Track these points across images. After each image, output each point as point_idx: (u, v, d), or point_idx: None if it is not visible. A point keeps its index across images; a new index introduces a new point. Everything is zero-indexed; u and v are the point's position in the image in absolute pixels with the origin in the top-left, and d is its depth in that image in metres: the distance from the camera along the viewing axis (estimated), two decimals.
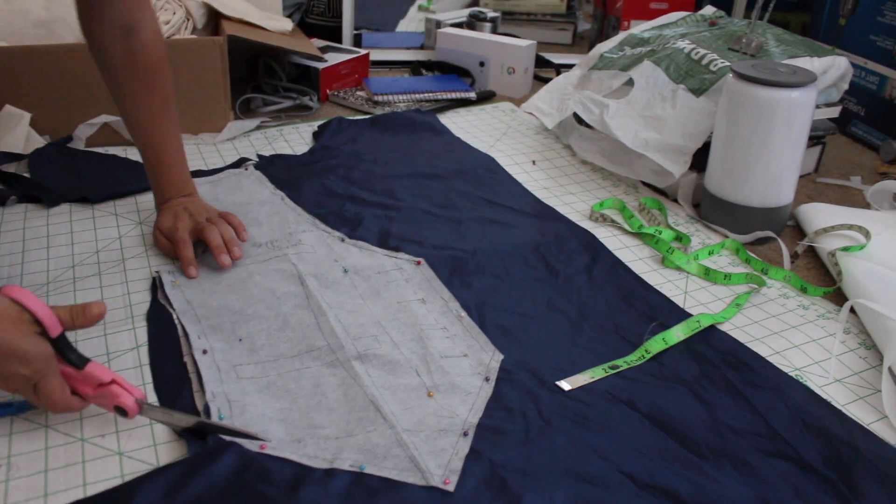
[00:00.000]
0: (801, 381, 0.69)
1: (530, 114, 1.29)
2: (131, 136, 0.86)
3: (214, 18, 1.22)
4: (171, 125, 0.86)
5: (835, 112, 1.09)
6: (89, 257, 0.84)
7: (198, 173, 1.03)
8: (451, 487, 0.55)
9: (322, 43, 1.50)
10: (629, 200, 1.03)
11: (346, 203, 0.97)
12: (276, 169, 1.06)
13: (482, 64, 1.47)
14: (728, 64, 1.00)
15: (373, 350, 0.69)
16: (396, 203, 0.98)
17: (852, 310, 0.79)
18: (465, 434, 0.60)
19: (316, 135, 1.19)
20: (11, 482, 0.55)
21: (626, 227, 0.96)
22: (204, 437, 0.59)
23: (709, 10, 1.29)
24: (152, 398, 0.64)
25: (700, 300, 0.82)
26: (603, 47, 1.23)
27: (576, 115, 1.15)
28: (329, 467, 0.57)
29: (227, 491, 0.54)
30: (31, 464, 0.57)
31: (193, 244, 0.82)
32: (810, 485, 0.58)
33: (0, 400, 0.62)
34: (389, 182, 1.03)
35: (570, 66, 1.35)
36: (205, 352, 0.68)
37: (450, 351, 0.70)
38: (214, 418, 0.60)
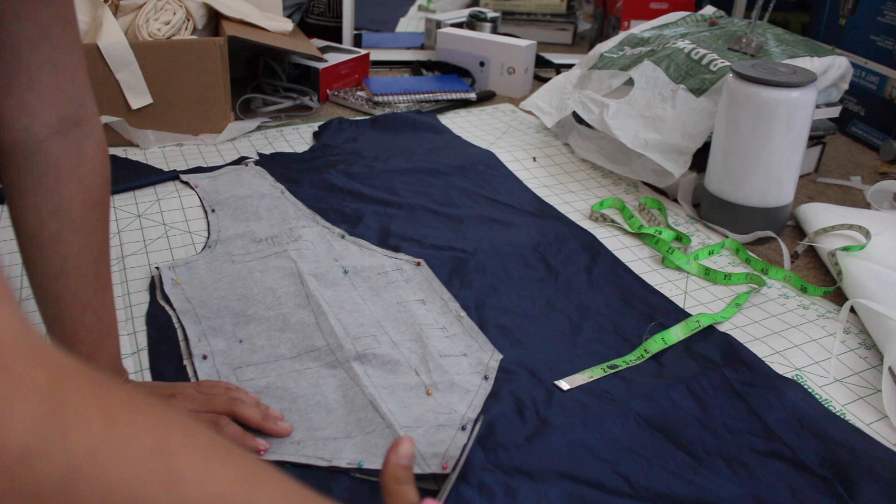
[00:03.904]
0: (800, 380, 0.69)
1: (529, 112, 1.29)
2: (48, 295, 0.55)
3: (214, 19, 1.22)
4: (110, 282, 0.60)
5: (835, 112, 1.09)
6: None
7: (198, 169, 1.04)
8: (448, 471, 0.55)
9: (322, 43, 1.50)
10: (629, 200, 1.03)
11: (347, 198, 0.97)
12: (277, 165, 1.06)
13: (482, 64, 1.47)
14: (728, 64, 1.00)
15: (372, 350, 0.69)
16: (397, 199, 0.98)
17: (852, 310, 0.79)
18: (464, 428, 0.60)
19: (316, 135, 1.19)
20: None
21: (626, 227, 0.96)
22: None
23: (709, 10, 1.28)
24: None
25: (700, 300, 0.82)
26: (603, 47, 1.23)
27: (575, 115, 1.15)
28: (328, 465, 0.57)
29: None
30: None
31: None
32: (806, 485, 0.57)
33: None
34: (389, 178, 1.03)
35: (570, 66, 1.35)
36: (205, 357, 0.68)
37: (449, 350, 0.70)
38: None
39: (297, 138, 1.19)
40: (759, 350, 0.73)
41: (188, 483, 0.23)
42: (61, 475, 0.20)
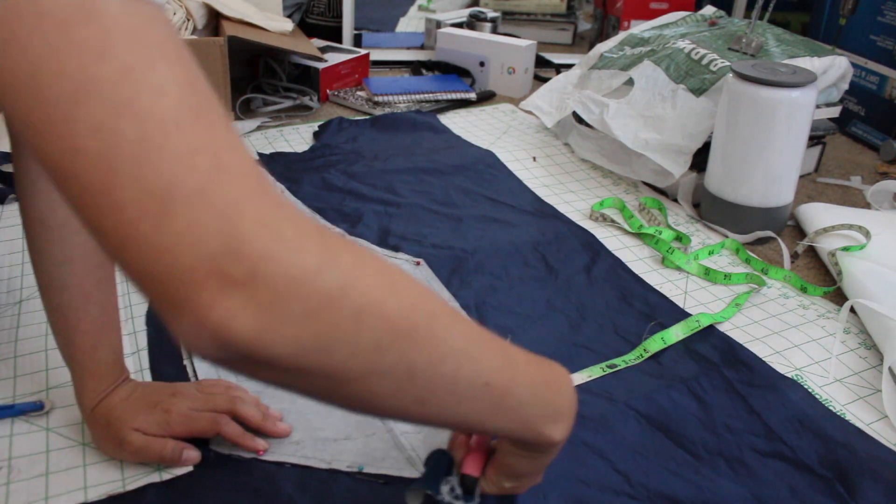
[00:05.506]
0: (801, 380, 0.69)
1: (529, 112, 1.29)
2: (53, 284, 0.56)
3: (214, 19, 1.22)
4: (114, 275, 0.59)
5: (835, 112, 1.09)
6: None
7: None
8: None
9: (322, 43, 1.50)
10: (629, 200, 1.03)
11: (346, 198, 0.97)
12: (277, 165, 1.06)
13: (482, 64, 1.47)
14: (728, 64, 1.00)
15: None
16: (396, 199, 0.98)
17: (852, 310, 0.79)
18: None
19: (316, 135, 1.19)
20: (12, 485, 0.55)
21: (626, 227, 0.96)
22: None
23: (709, 10, 1.28)
24: None
25: (700, 300, 0.82)
26: (603, 47, 1.23)
27: (575, 114, 1.15)
28: (327, 468, 0.57)
29: (231, 497, 0.54)
30: (32, 467, 0.57)
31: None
32: (806, 485, 0.58)
33: (0, 402, 0.62)
34: (389, 177, 1.03)
35: (570, 66, 1.35)
36: None
37: None
38: None
39: (297, 138, 1.19)
40: (759, 350, 0.73)
41: (398, 293, 0.33)
42: (337, 285, 0.30)
